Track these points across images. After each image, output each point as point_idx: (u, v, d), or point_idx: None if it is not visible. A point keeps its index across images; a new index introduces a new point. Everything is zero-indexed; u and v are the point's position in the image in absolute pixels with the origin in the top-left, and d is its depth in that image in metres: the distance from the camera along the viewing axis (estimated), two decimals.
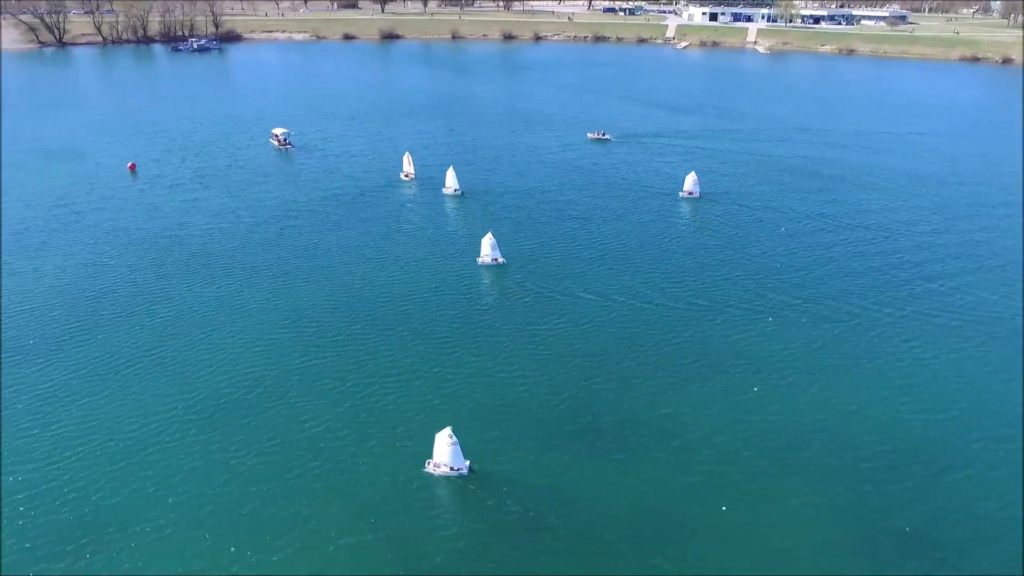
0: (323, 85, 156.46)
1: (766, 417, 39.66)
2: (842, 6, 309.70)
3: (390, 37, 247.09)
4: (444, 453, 34.98)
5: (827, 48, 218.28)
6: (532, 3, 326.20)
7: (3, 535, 31.65)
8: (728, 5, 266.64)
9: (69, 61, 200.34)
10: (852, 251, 62.75)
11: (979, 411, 40.03)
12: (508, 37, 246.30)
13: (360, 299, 53.75)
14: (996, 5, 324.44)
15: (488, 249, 59.54)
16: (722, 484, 34.73)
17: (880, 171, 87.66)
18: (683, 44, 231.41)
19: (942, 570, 29.91)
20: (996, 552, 30.83)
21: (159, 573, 29.93)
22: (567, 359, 45.52)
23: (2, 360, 45.38)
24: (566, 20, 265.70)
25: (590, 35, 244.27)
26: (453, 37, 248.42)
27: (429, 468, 35.50)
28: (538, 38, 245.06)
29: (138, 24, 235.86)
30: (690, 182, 78.07)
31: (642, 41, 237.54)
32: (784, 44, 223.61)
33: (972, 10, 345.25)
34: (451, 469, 35.01)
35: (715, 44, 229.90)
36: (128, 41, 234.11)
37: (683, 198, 77.45)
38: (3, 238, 65.78)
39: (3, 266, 59.26)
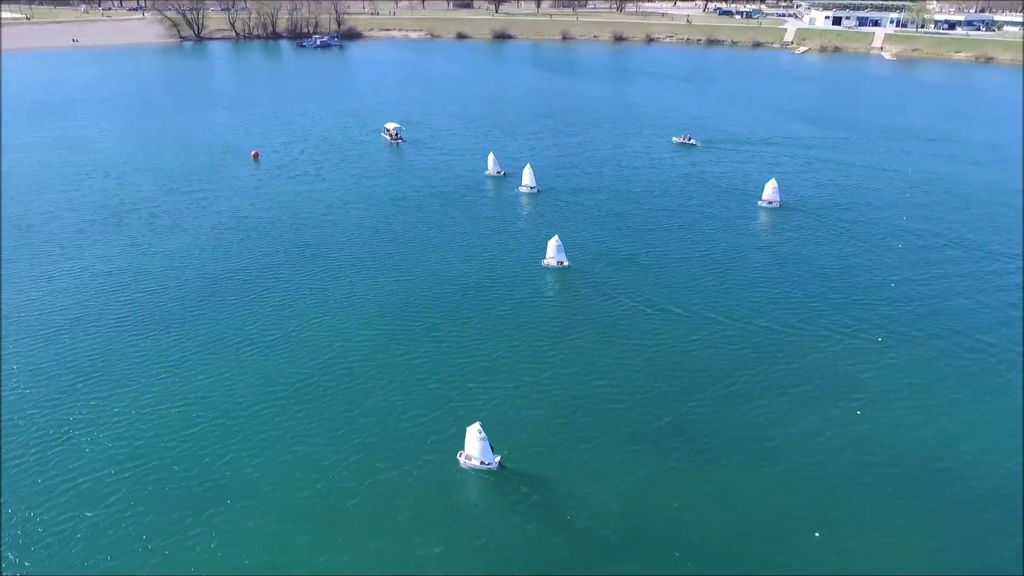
0: (435, 82, 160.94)
1: (868, 443, 38.06)
2: (982, 11, 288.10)
3: (501, 37, 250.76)
4: (474, 447, 35.58)
5: (961, 55, 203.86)
6: (646, 5, 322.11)
7: (113, 498, 34.90)
8: (854, 9, 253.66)
9: (206, 55, 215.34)
10: (987, 283, 57.02)
11: None
12: (619, 38, 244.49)
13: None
14: None
15: (553, 251, 59.35)
16: (813, 509, 33.77)
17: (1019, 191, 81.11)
18: (802, 49, 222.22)
19: None
20: None
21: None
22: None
23: (126, 333, 49.95)
24: (684, 22, 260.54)
25: (703, 38, 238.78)
26: (564, 38, 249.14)
27: (461, 460, 36.22)
28: (650, 40, 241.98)
29: (268, 21, 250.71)
30: (769, 190, 74.67)
31: (758, 45, 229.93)
32: (914, 51, 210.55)
33: None
34: (481, 463, 35.68)
35: (837, 49, 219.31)
36: (258, 37, 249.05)
37: (761, 207, 74.44)
38: (139, 220, 72.24)
39: (138, 247, 65.05)
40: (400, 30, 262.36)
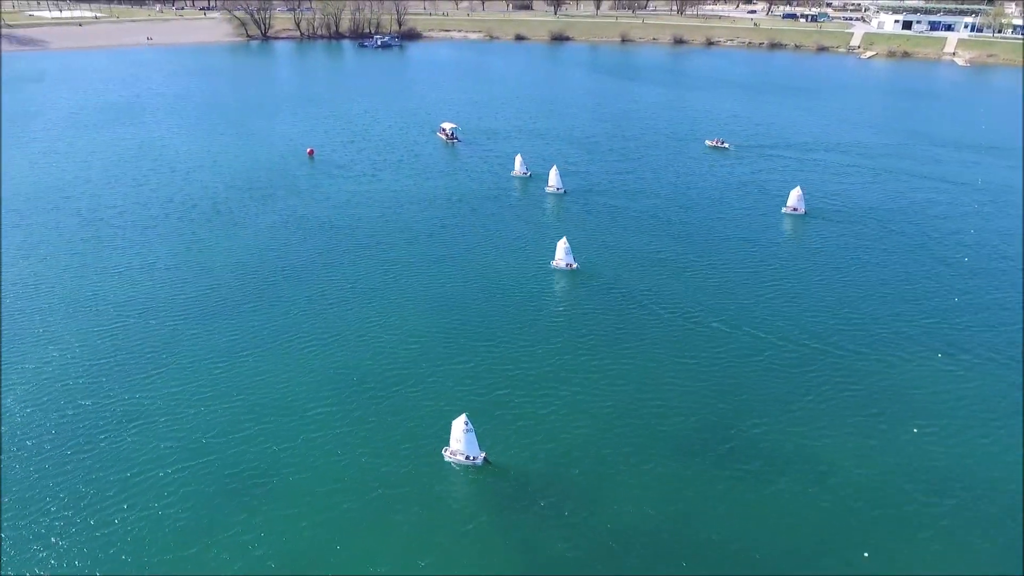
0: (493, 83, 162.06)
1: (924, 463, 37.03)
2: None
3: (559, 39, 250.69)
4: (459, 440, 35.38)
5: None
6: (708, 7, 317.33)
7: (171, 479, 36.62)
8: (925, 12, 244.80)
9: (271, 53, 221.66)
10: None
11: None
12: (679, 41, 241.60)
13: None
14: None
15: (562, 254, 59.35)
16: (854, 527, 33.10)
17: None
18: (868, 54, 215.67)
19: None
20: None
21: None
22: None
23: (184, 325, 52.12)
24: (751, 26, 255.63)
25: (766, 41, 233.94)
26: (623, 40, 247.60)
27: (446, 455, 36.22)
28: (710, 43, 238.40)
29: (331, 21, 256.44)
30: (794, 198, 73.41)
31: (822, 49, 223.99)
32: (989, 57, 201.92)
33: None
34: (466, 457, 35.58)
35: (906, 54, 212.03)
36: (321, 36, 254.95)
37: (785, 214, 73.04)
38: (200, 216, 75.10)
39: (201, 242, 67.69)
40: (459, 31, 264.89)
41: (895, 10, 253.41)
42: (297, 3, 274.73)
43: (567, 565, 31.00)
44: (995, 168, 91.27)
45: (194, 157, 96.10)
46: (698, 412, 41.10)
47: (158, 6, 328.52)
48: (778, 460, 37.03)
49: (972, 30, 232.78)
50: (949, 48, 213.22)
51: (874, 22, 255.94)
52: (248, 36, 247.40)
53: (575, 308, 54.00)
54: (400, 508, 34.04)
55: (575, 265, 59.73)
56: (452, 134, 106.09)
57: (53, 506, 34.42)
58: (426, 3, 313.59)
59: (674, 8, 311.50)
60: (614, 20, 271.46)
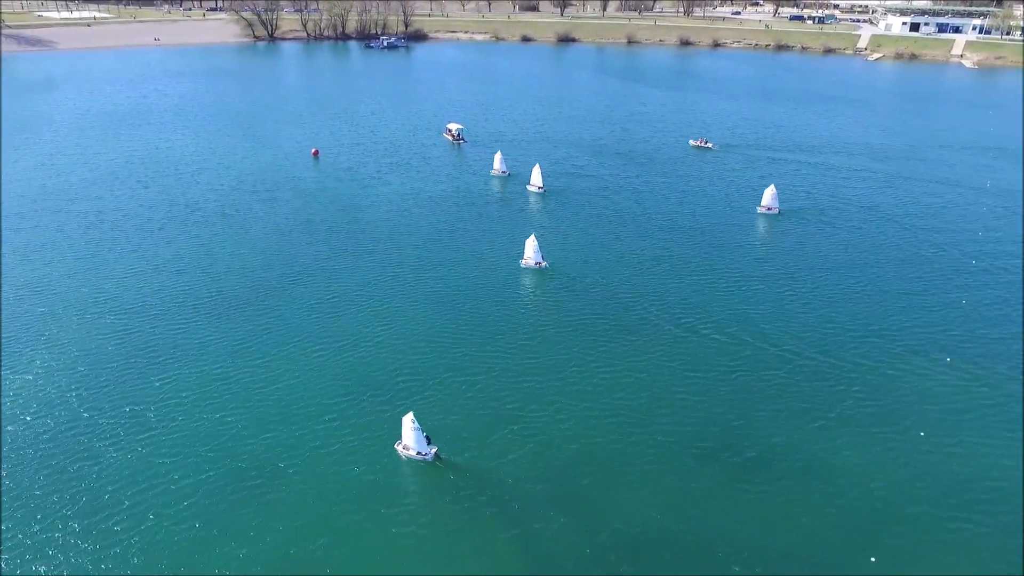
0: (499, 84, 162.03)
1: (933, 467, 36.79)
2: None
3: (566, 40, 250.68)
4: (409, 437, 36.27)
5: None
6: (715, 10, 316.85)
7: (189, 472, 36.62)
8: (933, 15, 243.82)
9: (278, 54, 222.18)
10: None
11: None
12: (685, 43, 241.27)
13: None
14: None
15: (531, 252, 59.34)
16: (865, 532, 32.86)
17: None
18: (875, 56, 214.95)
19: None
20: None
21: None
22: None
23: (196, 320, 52.17)
24: (759, 27, 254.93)
25: (772, 43, 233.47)
26: (629, 42, 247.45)
27: (399, 449, 36.89)
28: (716, 45, 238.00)
29: (338, 22, 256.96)
30: (768, 196, 73.57)
31: (829, 51, 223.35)
32: (997, 59, 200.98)
33: None
34: (418, 453, 36.40)
35: (913, 56, 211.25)
36: (328, 37, 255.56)
37: (761, 213, 73.24)
38: (205, 217, 75.24)
39: (201, 243, 67.75)
40: (466, 32, 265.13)
41: (903, 12, 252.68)
42: (304, 4, 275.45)
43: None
44: (1004, 171, 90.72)
45: (200, 159, 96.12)
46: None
47: (166, 7, 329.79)
48: (778, 463, 36.84)
49: (980, 32, 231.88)
50: (957, 50, 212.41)
51: (881, 24, 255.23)
52: (255, 37, 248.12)
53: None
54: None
55: (544, 264, 59.74)
56: (458, 135, 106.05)
57: (54, 506, 34.42)
58: (432, 4, 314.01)
59: (681, 10, 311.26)
60: (626, 22, 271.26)
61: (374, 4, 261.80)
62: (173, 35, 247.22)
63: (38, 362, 46.38)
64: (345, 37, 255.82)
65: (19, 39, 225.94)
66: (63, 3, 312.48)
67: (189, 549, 31.95)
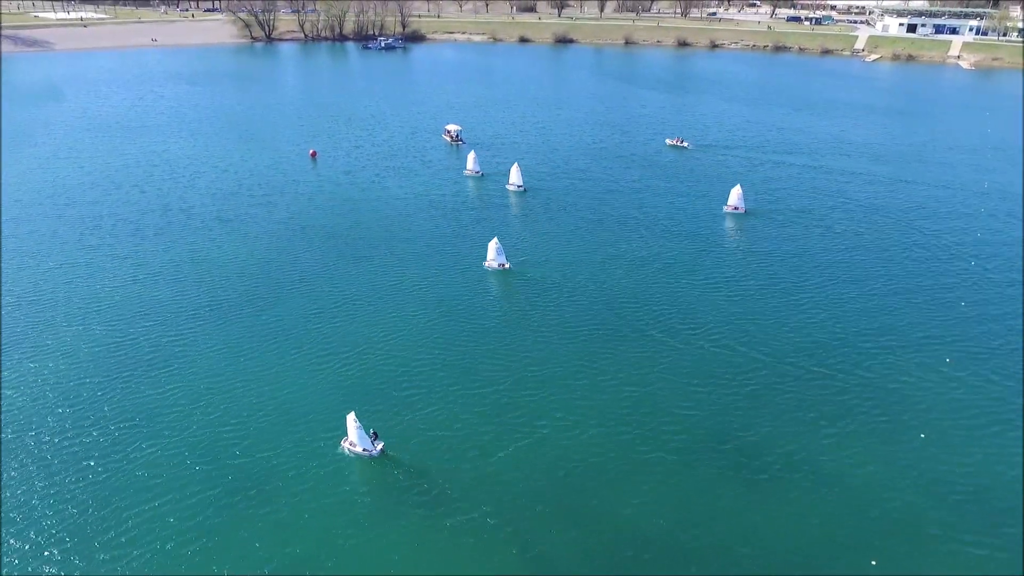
0: (497, 86, 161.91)
1: (932, 469, 36.70)
2: None
3: (563, 41, 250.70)
4: (353, 434, 37.06)
5: None
6: (718, 15, 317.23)
7: (186, 479, 36.49)
8: (930, 16, 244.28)
9: (275, 55, 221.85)
10: None
11: None
12: (682, 44, 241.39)
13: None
14: None
15: (493, 254, 59.39)
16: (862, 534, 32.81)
17: None
18: (873, 57, 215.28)
19: None
20: None
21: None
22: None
23: (185, 322, 51.96)
24: (760, 28, 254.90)
25: (770, 44, 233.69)
26: (627, 43, 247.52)
27: (344, 446, 37.56)
28: (714, 46, 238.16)
29: (335, 23, 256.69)
30: (735, 196, 73.94)
31: (827, 52, 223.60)
32: (994, 60, 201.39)
33: None
34: (363, 450, 37.08)
35: (911, 58, 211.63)
36: (325, 38, 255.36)
37: (727, 213, 73.64)
38: (201, 220, 74.99)
39: (210, 242, 67.56)
40: (463, 33, 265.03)
41: (900, 13, 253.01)
42: (301, 5, 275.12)
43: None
44: (1001, 172, 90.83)
45: (197, 162, 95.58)
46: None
47: (163, 7, 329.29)
48: (774, 462, 36.78)
49: (977, 33, 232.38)
50: (954, 51, 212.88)
51: (879, 25, 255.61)
52: (252, 38, 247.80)
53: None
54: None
55: (507, 265, 59.69)
56: (457, 135, 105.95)
57: (54, 507, 34.29)
58: (430, 5, 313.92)
59: (678, 11, 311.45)
60: (629, 23, 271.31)
61: (371, 5, 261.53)
62: (170, 36, 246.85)
63: (34, 368, 46.15)
64: (342, 38, 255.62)
65: (15, 40, 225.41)
66: (59, 3, 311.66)
67: (172, 551, 31.86)
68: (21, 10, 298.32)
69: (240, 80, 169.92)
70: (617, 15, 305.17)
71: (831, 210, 75.53)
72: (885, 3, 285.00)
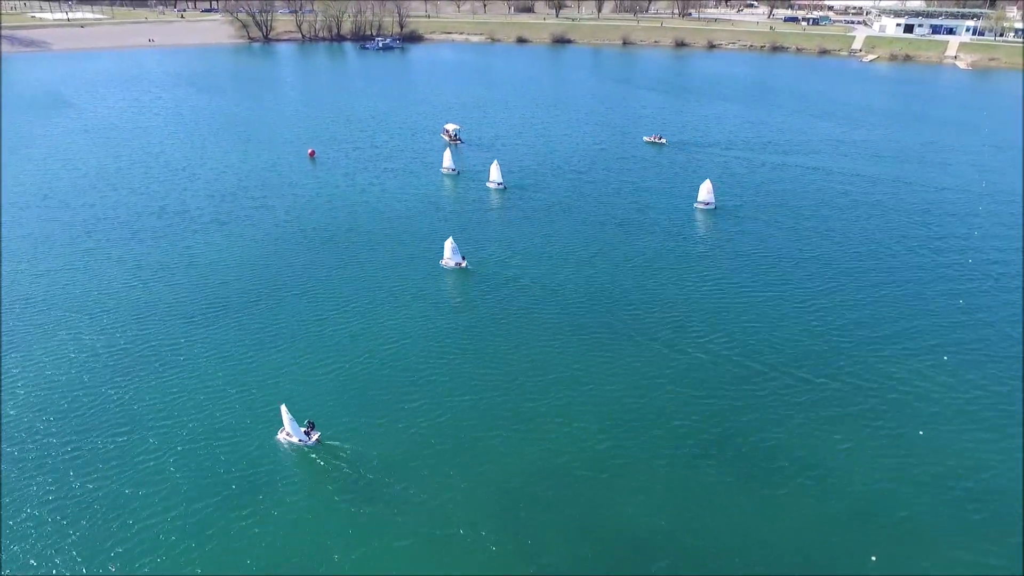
0: (495, 86, 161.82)
1: (931, 465, 36.80)
2: None
3: (561, 41, 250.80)
4: (288, 425, 37.84)
5: None
6: (710, 11, 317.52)
7: (181, 473, 36.46)
8: (927, 16, 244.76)
9: (273, 55, 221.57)
10: None
11: None
12: (680, 44, 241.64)
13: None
14: None
15: (449, 252, 59.64)
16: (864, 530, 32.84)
17: None
18: (870, 57, 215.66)
19: None
20: None
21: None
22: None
23: (184, 324, 51.93)
24: (756, 28, 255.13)
25: (767, 44, 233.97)
26: (624, 43, 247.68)
27: (280, 437, 38.34)
28: (711, 46, 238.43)
29: (333, 23, 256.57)
30: (704, 191, 74.02)
31: (824, 52, 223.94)
32: (991, 60, 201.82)
33: None
34: (299, 441, 37.78)
35: (907, 58, 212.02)
36: (323, 39, 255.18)
37: (697, 208, 73.90)
38: (199, 219, 74.83)
39: (207, 244, 67.55)
40: (461, 33, 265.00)
41: (897, 13, 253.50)
42: (299, 5, 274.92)
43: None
44: (998, 171, 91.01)
45: (194, 163, 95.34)
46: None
47: (160, 8, 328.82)
48: (773, 461, 36.82)
49: (974, 34, 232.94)
50: (951, 52, 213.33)
51: (876, 25, 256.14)
52: (250, 38, 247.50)
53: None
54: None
55: (464, 263, 59.78)
56: (455, 135, 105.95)
57: (53, 507, 34.29)
58: (428, 5, 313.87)
59: (676, 11, 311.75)
60: (632, 23, 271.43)
61: (369, 5, 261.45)
62: (167, 36, 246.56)
63: (32, 371, 46.09)
64: (340, 38, 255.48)
65: (13, 40, 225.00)
66: (56, 3, 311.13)
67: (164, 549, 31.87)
68: (18, 10, 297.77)
69: (238, 80, 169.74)
70: (615, 15, 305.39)
71: (833, 210, 75.44)
72: (882, 3, 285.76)
